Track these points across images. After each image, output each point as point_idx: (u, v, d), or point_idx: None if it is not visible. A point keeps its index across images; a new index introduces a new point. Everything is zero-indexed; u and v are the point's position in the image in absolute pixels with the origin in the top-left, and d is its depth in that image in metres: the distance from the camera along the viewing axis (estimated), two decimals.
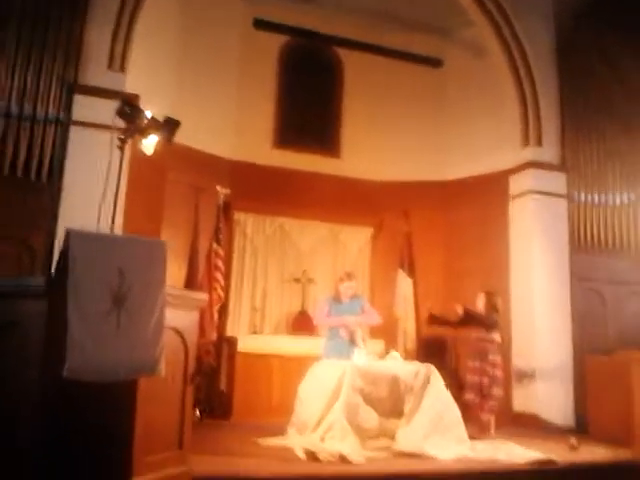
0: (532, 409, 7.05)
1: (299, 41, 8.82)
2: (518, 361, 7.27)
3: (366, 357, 5.41)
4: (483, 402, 5.80)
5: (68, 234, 3.05)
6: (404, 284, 8.13)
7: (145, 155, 4.79)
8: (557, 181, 7.73)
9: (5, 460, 2.94)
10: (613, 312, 7.56)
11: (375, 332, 6.25)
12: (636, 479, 4.86)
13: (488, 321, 6.00)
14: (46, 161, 5.91)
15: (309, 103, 8.82)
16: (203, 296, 4.16)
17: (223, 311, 7.41)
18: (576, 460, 4.94)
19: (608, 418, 5.85)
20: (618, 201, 7.93)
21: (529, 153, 7.79)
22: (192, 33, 7.81)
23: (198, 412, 6.19)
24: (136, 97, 5.79)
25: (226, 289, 7.37)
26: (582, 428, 6.39)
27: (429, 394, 5.09)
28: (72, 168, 5.93)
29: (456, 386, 6.11)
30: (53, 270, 3.16)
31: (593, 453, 5.19)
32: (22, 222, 5.73)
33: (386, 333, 7.28)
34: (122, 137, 4.32)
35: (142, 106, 4.81)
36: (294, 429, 5.26)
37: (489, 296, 6.13)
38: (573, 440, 5.40)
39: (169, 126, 4.49)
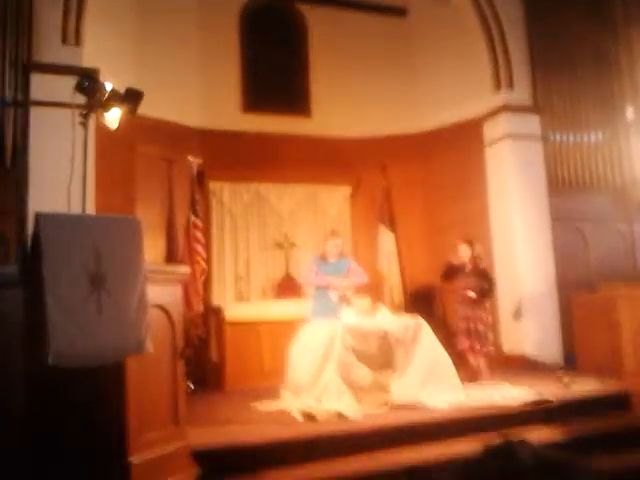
0: (521, 350, 7.15)
1: (259, 0, 8.56)
2: (505, 304, 7.33)
3: (355, 315, 5.40)
4: (479, 348, 5.85)
5: (38, 218, 2.95)
6: (386, 239, 8.10)
7: (111, 130, 4.64)
8: (531, 123, 7.69)
9: None
10: (594, 249, 7.63)
11: (361, 289, 6.21)
12: (627, 407, 4.96)
13: (489, 277, 6.05)
14: (9, 145, 5.71)
15: (275, 64, 8.59)
16: (185, 269, 4.10)
17: (207, 282, 7.35)
18: (569, 396, 5.03)
19: (596, 353, 5.95)
20: (593, 139, 7.94)
21: (501, 97, 7.72)
22: (149, 1, 7.52)
23: (191, 384, 6.18)
24: (95, 71, 5.60)
25: (208, 260, 7.29)
26: (571, 364, 6.50)
27: (420, 345, 5.13)
28: (37, 150, 5.75)
29: (446, 334, 6.16)
30: (26, 257, 3.06)
31: (584, 388, 5.28)
32: None
33: (372, 289, 7.28)
34: (84, 113, 4.18)
35: (102, 80, 4.66)
36: (289, 392, 5.28)
37: (471, 245, 6.12)
38: (564, 377, 5.49)
39: (131, 97, 4.35)
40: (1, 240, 5.57)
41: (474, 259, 6.09)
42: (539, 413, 4.63)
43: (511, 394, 4.96)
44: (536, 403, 4.73)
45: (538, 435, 4.26)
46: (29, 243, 3.09)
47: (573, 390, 5.23)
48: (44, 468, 2.86)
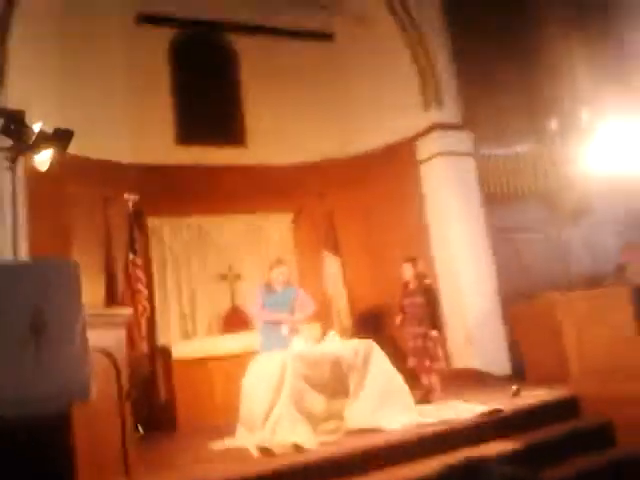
0: (469, 364, 7.25)
1: (188, 32, 8.53)
2: (451, 319, 7.43)
3: (305, 342, 5.37)
4: (430, 365, 5.89)
5: None
6: (331, 264, 8.14)
7: (41, 172, 4.50)
8: (462, 140, 7.92)
9: None
10: (530, 257, 7.85)
11: (310, 316, 6.19)
12: (576, 412, 5.08)
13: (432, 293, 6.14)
14: None
15: (208, 94, 8.53)
16: (126, 311, 4.00)
17: (151, 321, 7.17)
18: (519, 405, 5.11)
19: (541, 361, 6.08)
20: (521, 150, 8.23)
21: (431, 115, 7.94)
22: (73, 37, 7.34)
23: (140, 428, 5.97)
24: (21, 112, 5.40)
25: (151, 298, 7.12)
26: (519, 374, 6.63)
27: (372, 369, 5.11)
28: None
29: (397, 354, 6.18)
30: None
31: (534, 396, 5.38)
32: None
33: (321, 314, 7.26)
34: (11, 157, 4.05)
35: (29, 120, 4.52)
36: (243, 428, 5.17)
37: (414, 263, 6.19)
38: (514, 386, 5.59)
39: (61, 137, 4.25)
40: None
41: (418, 277, 6.16)
42: (492, 426, 4.67)
43: (463, 408, 5.01)
44: (488, 414, 4.79)
45: (493, 448, 4.31)
46: None
47: (523, 400, 5.32)
48: None
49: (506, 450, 4.25)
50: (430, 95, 7.96)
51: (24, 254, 4.83)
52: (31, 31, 6.56)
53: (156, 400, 6.79)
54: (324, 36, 9.03)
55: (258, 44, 8.73)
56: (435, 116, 7.90)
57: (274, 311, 5.58)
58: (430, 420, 4.81)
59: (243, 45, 8.80)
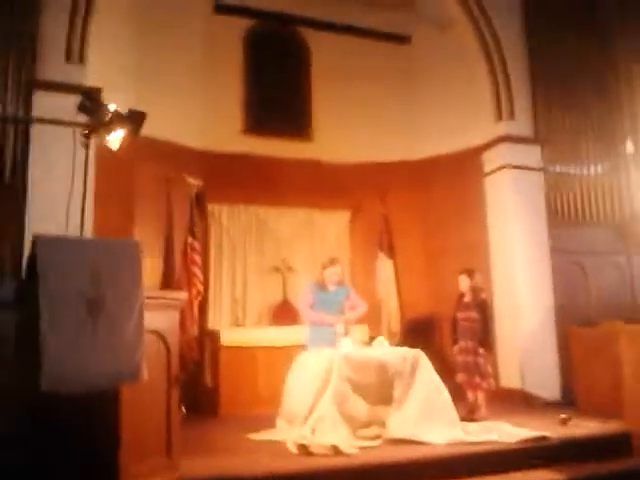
0: (518, 384, 7.05)
1: (264, 24, 8.59)
2: (503, 336, 7.25)
3: (352, 345, 5.32)
4: (479, 382, 5.75)
5: (36, 241, 2.89)
6: (385, 266, 8.06)
7: (111, 150, 4.59)
8: (532, 154, 7.68)
9: None
10: (593, 283, 7.58)
11: (361, 316, 6.15)
12: (628, 450, 4.86)
13: (485, 309, 5.99)
14: (8, 162, 5.65)
15: (278, 87, 8.60)
16: (182, 295, 4.03)
17: (203, 305, 7.27)
18: (568, 435, 4.93)
19: (595, 390, 5.86)
20: (593, 171, 7.94)
21: (502, 127, 7.73)
22: (152, 21, 7.49)
23: (184, 409, 6.06)
24: (98, 90, 5.54)
25: (205, 282, 7.22)
26: (569, 401, 6.41)
27: (418, 379, 5.02)
28: (36, 168, 5.67)
29: (444, 367, 6.07)
30: (22, 278, 3.00)
31: (584, 426, 5.18)
32: None
33: (370, 317, 7.19)
34: (85, 133, 4.14)
35: (105, 99, 4.62)
36: (283, 421, 5.18)
37: (471, 275, 6.06)
38: (563, 414, 5.40)
39: (134, 119, 4.31)
40: None
41: (473, 290, 6.02)
42: (536, 454, 4.52)
43: (509, 431, 4.86)
44: (534, 440, 4.64)
45: (535, 477, 4.17)
46: (25, 264, 3.02)
47: (571, 430, 5.13)
48: None
49: None
50: (503, 107, 7.76)
51: (90, 230, 4.94)
52: (111, 15, 6.71)
53: (201, 383, 6.88)
54: (400, 38, 8.94)
55: (331, 41, 8.71)
56: (505, 128, 7.69)
57: (324, 310, 5.54)
58: (473, 439, 4.69)
59: (316, 41, 8.79)
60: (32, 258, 2.89)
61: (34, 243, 2.88)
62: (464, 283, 6.03)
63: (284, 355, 5.89)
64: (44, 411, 2.80)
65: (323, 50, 8.77)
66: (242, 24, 8.50)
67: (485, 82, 7.87)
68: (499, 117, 7.77)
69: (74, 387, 2.79)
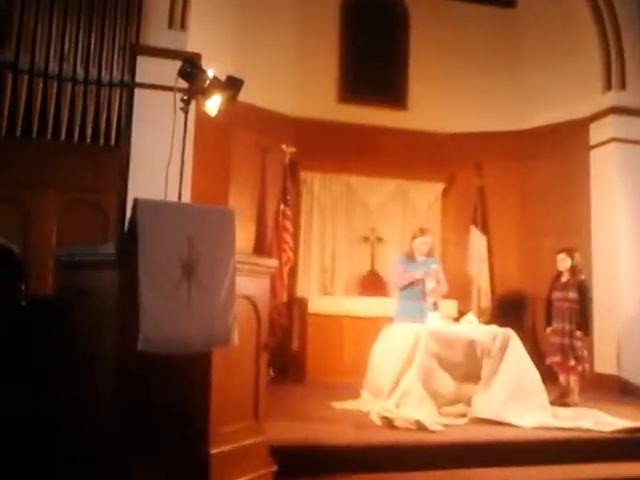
0: (614, 370, 6.73)
1: None
2: (600, 320, 6.90)
3: (440, 320, 5.22)
4: (574, 365, 5.53)
5: (136, 203, 2.98)
6: (477, 241, 7.85)
7: (209, 116, 4.66)
8: None
9: (84, 430, 2.97)
10: None
11: (448, 292, 6.04)
12: None
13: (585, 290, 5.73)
14: (113, 125, 5.90)
15: (374, 54, 8.44)
16: (273, 262, 4.06)
17: (292, 272, 7.37)
18: None
19: None
20: None
21: (611, 98, 7.27)
22: None
23: (271, 371, 6.21)
24: (198, 56, 5.65)
25: (295, 250, 7.31)
26: None
27: (508, 359, 4.87)
28: (139, 131, 5.90)
29: (535, 349, 5.87)
30: (123, 240, 3.11)
31: None
32: (94, 187, 5.79)
33: (459, 292, 7.06)
34: (185, 98, 4.21)
35: (204, 65, 4.68)
36: (368, 393, 5.19)
37: (570, 254, 5.78)
38: None
39: (232, 85, 4.33)
40: (102, 216, 5.78)
41: (572, 270, 5.75)
42: (631, 446, 4.29)
43: (603, 420, 4.65)
44: (630, 431, 4.40)
45: (627, 470, 3.96)
46: (126, 226, 3.13)
47: None
48: (129, 450, 2.90)
49: None
50: (613, 76, 7.26)
51: (187, 195, 5.08)
52: None
53: (289, 349, 7.02)
54: (504, 2, 8.50)
55: (431, 5, 8.42)
56: (615, 99, 7.21)
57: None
58: (564, 424, 4.51)
59: (415, 6, 8.52)
60: (133, 221, 2.98)
61: (134, 206, 2.96)
62: (564, 263, 5.76)
63: (370, 326, 5.90)
64: (140, 371, 2.92)
65: (422, 15, 8.50)
66: None
67: (595, 50, 7.40)
68: (608, 87, 7.30)
69: (169, 348, 2.88)
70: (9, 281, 3.55)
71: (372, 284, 7.56)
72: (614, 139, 7.19)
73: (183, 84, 4.34)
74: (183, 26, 6.22)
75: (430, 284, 5.38)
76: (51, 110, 5.76)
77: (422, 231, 5.73)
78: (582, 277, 5.77)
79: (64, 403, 3.12)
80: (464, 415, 4.70)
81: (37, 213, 5.72)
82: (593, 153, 7.45)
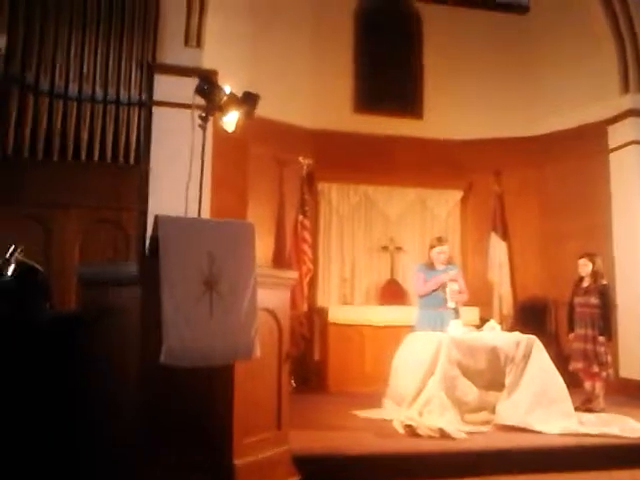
0: (639, 375, 6.63)
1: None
2: (624, 325, 6.83)
3: (462, 328, 5.21)
4: (598, 371, 5.48)
5: (157, 220, 3.04)
6: (498, 248, 7.81)
7: (227, 132, 4.73)
8: None
9: (108, 441, 3.03)
10: None
11: (470, 299, 6.03)
12: None
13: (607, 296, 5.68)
14: (132, 144, 6.01)
15: (388, 64, 8.48)
16: (293, 274, 4.11)
17: (312, 282, 7.40)
18: None
19: None
20: None
21: (629, 100, 7.22)
22: (263, 6, 7.59)
23: (293, 382, 6.22)
24: (214, 73, 5.74)
25: (314, 260, 7.35)
26: None
27: (531, 365, 4.84)
28: (158, 149, 6.00)
29: (558, 353, 5.82)
30: (145, 256, 3.17)
31: None
32: (115, 206, 5.89)
33: (481, 299, 7.03)
34: (203, 115, 4.28)
35: (220, 81, 4.76)
36: (391, 401, 5.19)
37: (592, 259, 5.73)
38: None
39: (249, 101, 4.40)
40: (123, 234, 5.87)
41: (594, 275, 5.70)
42: None
43: (630, 426, 4.59)
44: None
45: None
46: (148, 243, 3.19)
47: None
48: (155, 463, 2.94)
49: None
50: (630, 78, 7.22)
51: (207, 210, 5.15)
52: (225, 1, 6.87)
53: (310, 359, 7.05)
54: (517, 8, 8.47)
55: (444, 13, 8.40)
56: (633, 101, 7.16)
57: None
58: (589, 431, 4.47)
59: (429, 13, 8.54)
60: (154, 237, 3.04)
61: (155, 223, 3.03)
62: (585, 268, 5.72)
63: (391, 335, 5.91)
64: (164, 384, 2.96)
65: (436, 23, 8.52)
66: (352, 1, 8.43)
67: (611, 52, 7.36)
68: (625, 89, 7.25)
69: (191, 362, 2.93)
70: (34, 299, 3.64)
71: (392, 293, 7.57)
72: (634, 142, 7.13)
73: (200, 101, 4.42)
74: (199, 43, 6.32)
75: (453, 285, 5.40)
76: (71, 130, 5.87)
77: (439, 240, 5.80)
78: (604, 282, 5.72)
79: (88, 417, 3.18)
80: (488, 422, 4.68)
81: (60, 231, 5.83)
82: (612, 156, 7.39)
